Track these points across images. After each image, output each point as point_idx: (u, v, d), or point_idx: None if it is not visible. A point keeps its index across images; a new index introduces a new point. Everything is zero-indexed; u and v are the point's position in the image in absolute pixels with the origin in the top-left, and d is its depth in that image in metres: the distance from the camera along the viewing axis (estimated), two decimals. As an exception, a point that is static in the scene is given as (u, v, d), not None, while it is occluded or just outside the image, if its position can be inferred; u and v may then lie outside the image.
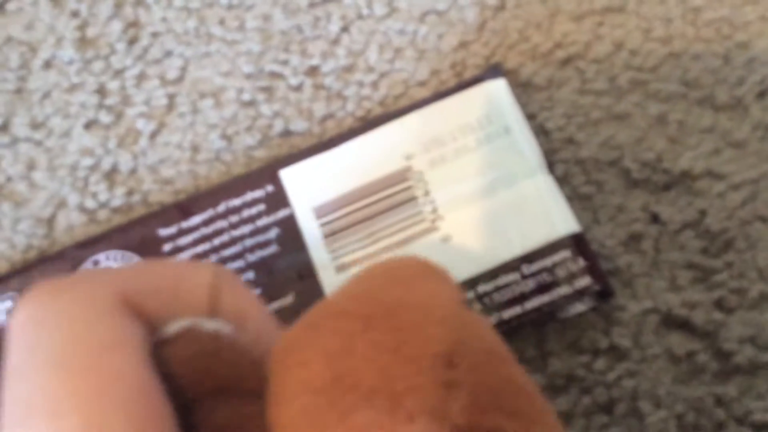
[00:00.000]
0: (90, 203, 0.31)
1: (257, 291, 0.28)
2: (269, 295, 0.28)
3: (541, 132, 0.29)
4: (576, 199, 0.28)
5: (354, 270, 0.28)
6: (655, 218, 0.27)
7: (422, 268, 0.16)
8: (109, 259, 0.29)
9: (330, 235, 0.28)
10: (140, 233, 0.29)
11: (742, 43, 0.28)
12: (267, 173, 0.29)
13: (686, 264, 0.27)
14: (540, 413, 0.14)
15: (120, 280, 0.14)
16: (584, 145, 0.29)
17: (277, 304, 0.28)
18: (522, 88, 0.30)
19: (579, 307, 0.27)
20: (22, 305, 0.13)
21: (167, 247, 0.28)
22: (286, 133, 0.31)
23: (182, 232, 0.29)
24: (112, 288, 0.14)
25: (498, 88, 0.29)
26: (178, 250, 0.28)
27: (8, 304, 0.28)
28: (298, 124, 0.31)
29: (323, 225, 0.28)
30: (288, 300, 0.28)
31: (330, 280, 0.28)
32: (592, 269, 0.27)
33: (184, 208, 0.29)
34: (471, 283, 0.27)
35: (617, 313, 0.27)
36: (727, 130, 0.28)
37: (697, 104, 0.28)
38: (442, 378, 0.13)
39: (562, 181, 0.28)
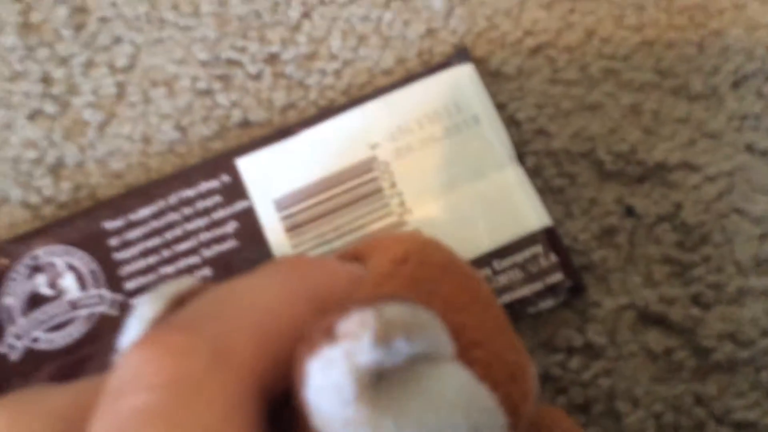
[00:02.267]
0: (34, 198, 0.29)
1: (212, 290, 0.26)
2: (225, 293, 0.26)
3: (511, 123, 0.28)
4: (548, 192, 0.27)
5: (316, 267, 0.26)
6: (629, 211, 0.26)
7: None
8: (49, 255, 0.26)
9: (292, 229, 0.26)
10: (84, 226, 0.27)
11: (717, 31, 0.28)
12: (222, 162, 0.27)
13: (662, 258, 0.26)
14: (481, 313, 0.16)
15: (252, 355, 0.12)
16: (556, 137, 0.27)
17: (233, 304, 0.26)
18: (491, 78, 0.28)
19: (550, 302, 0.26)
20: (137, 376, 0.11)
21: (114, 241, 0.26)
22: (245, 124, 0.29)
23: (130, 225, 0.27)
24: (249, 373, 0.12)
25: (465, 73, 0.27)
26: (126, 245, 0.26)
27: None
28: (258, 114, 0.29)
29: (284, 218, 0.26)
30: (245, 299, 0.26)
31: (290, 278, 0.26)
32: (564, 265, 0.25)
33: (131, 199, 0.27)
34: (440, 279, 0.26)
35: (592, 310, 0.26)
36: (702, 120, 0.27)
37: (671, 93, 0.27)
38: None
39: (534, 173, 0.27)
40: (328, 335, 0.12)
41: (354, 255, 0.18)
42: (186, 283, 0.15)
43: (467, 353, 0.14)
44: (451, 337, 0.13)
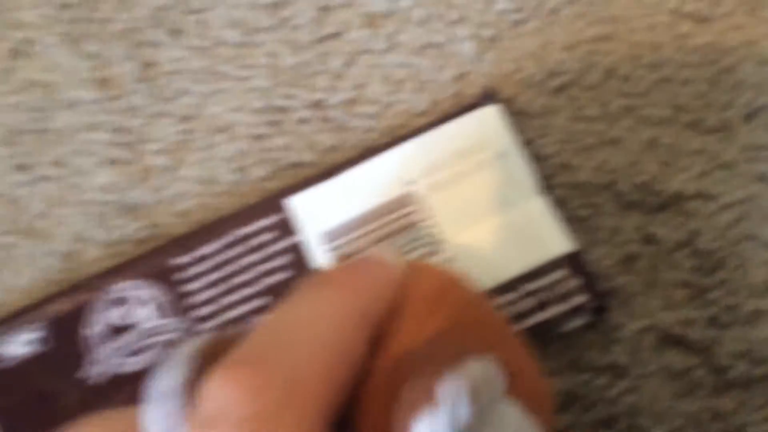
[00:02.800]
0: (112, 237, 0.32)
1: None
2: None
3: (537, 158, 0.30)
4: (573, 221, 0.29)
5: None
6: (649, 239, 0.28)
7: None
8: (125, 289, 0.30)
9: (340, 260, 0.29)
10: (156, 263, 0.30)
11: (729, 68, 0.30)
12: (276, 202, 0.30)
13: (681, 283, 0.28)
14: (506, 344, 0.18)
15: (319, 389, 0.14)
16: (579, 170, 0.30)
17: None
18: (518, 116, 0.31)
19: (576, 323, 0.28)
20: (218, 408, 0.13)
21: (182, 275, 0.30)
22: (295, 165, 0.32)
23: (195, 261, 0.30)
24: (317, 406, 0.14)
25: (492, 113, 0.30)
26: (193, 278, 0.30)
27: (28, 335, 0.30)
28: (306, 156, 0.32)
29: (332, 250, 0.29)
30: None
31: (338, 304, 0.29)
32: (588, 287, 0.28)
33: (196, 237, 0.30)
34: (473, 304, 0.28)
35: (615, 332, 0.28)
36: (716, 152, 0.29)
37: (686, 128, 0.29)
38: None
39: (560, 204, 0.30)
40: (430, 399, 0.14)
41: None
42: (207, 338, 0.16)
43: (511, 386, 0.16)
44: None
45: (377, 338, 0.17)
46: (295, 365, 0.14)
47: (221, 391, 0.13)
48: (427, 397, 0.15)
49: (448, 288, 0.20)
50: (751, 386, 0.26)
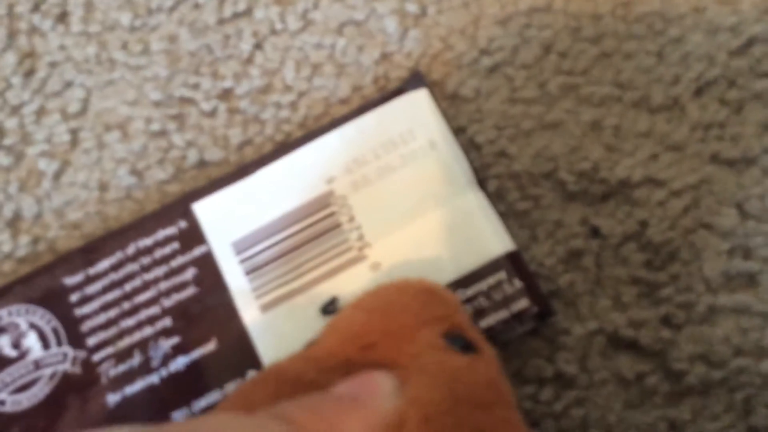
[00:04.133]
0: (-5, 251, 0.28)
1: (176, 339, 0.25)
2: (189, 342, 0.25)
3: (471, 146, 0.27)
4: (512, 216, 0.26)
5: (280, 308, 0.26)
6: (595, 232, 0.26)
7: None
8: (12, 315, 0.26)
9: (252, 272, 0.26)
10: (44, 284, 0.26)
11: (676, 38, 0.27)
12: (179, 208, 0.27)
13: (630, 279, 0.25)
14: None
15: None
16: (517, 158, 0.27)
17: (199, 353, 0.25)
18: (449, 101, 0.28)
19: (518, 330, 0.25)
20: None
21: (74, 297, 0.26)
22: (201, 164, 0.28)
23: (89, 280, 0.26)
24: None
25: (420, 98, 0.27)
26: (87, 299, 0.26)
27: None
28: (214, 153, 0.28)
29: (243, 261, 0.26)
30: (211, 347, 0.25)
31: (255, 322, 0.25)
32: (530, 290, 0.25)
33: (89, 253, 0.26)
34: (404, 315, 0.25)
35: (561, 337, 0.25)
36: (664, 132, 0.26)
37: (632, 107, 0.27)
38: None
39: (496, 197, 0.27)
40: None
41: (369, 338, 0.18)
42: None
43: None
44: None
45: None
46: None
47: None
48: None
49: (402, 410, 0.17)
50: (710, 392, 0.24)
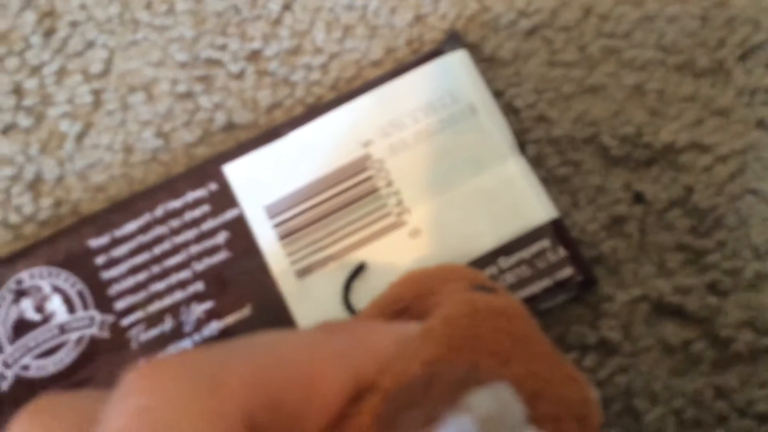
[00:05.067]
0: (14, 218, 0.27)
1: (209, 304, 0.25)
2: (223, 308, 0.25)
3: (509, 110, 0.27)
4: (552, 182, 0.26)
5: (316, 275, 0.25)
6: (638, 198, 0.25)
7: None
8: (34, 277, 0.25)
9: (286, 236, 0.25)
10: (67, 246, 0.25)
11: (720, 1, 0.26)
12: (209, 170, 0.26)
13: (675, 246, 0.25)
14: (529, 354, 0.15)
15: (245, 391, 0.12)
16: (557, 123, 0.26)
17: (233, 318, 0.25)
18: (486, 64, 0.27)
19: (561, 298, 0.25)
20: (129, 391, 0.12)
21: (100, 260, 0.25)
22: (230, 127, 0.28)
23: (116, 242, 0.25)
24: (239, 406, 0.12)
25: (459, 60, 0.26)
26: (114, 262, 0.25)
27: None
28: (242, 116, 0.28)
29: (277, 225, 0.25)
30: (245, 312, 0.25)
31: (291, 288, 0.25)
32: (574, 258, 0.24)
33: (115, 214, 0.26)
34: (444, 281, 0.24)
35: (604, 304, 0.25)
36: (709, 97, 0.26)
37: (675, 71, 0.26)
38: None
39: (536, 163, 0.26)
40: None
41: (399, 304, 0.17)
42: None
43: (533, 409, 0.13)
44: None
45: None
46: (223, 368, 0.12)
47: (139, 372, 0.12)
48: None
49: (440, 313, 0.16)
50: (757, 359, 0.24)
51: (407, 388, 0.13)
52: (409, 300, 0.18)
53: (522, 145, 0.26)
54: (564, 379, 0.15)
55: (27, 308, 0.25)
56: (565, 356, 0.16)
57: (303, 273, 0.25)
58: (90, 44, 0.29)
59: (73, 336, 0.25)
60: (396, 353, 0.14)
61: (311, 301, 0.24)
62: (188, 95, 0.28)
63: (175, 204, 0.26)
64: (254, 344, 0.13)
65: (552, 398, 0.14)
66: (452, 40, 0.26)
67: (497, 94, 0.27)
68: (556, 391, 0.14)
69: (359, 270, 0.25)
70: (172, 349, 0.24)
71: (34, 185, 0.27)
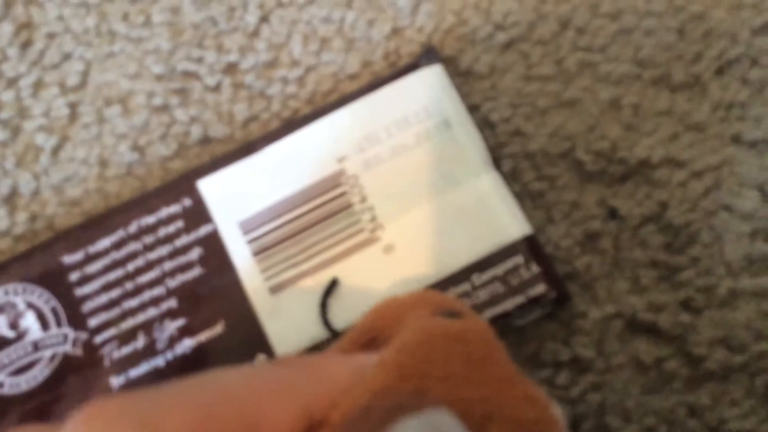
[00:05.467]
0: (-10, 229, 0.27)
1: (182, 321, 0.25)
2: (196, 325, 0.25)
3: (485, 125, 0.26)
4: (527, 197, 0.26)
5: (290, 291, 0.25)
6: (612, 214, 0.25)
7: None
8: (9, 294, 0.25)
9: (260, 253, 0.25)
10: (41, 262, 0.25)
11: (697, 15, 0.26)
12: (183, 185, 0.26)
13: (649, 262, 0.25)
14: (482, 377, 0.15)
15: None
16: (533, 137, 0.26)
17: (206, 335, 0.25)
18: (462, 77, 0.27)
19: (534, 315, 0.25)
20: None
21: (74, 276, 0.25)
22: (205, 141, 0.28)
23: (90, 258, 0.25)
24: None
25: (435, 75, 0.26)
26: (87, 279, 0.25)
27: None
28: (218, 130, 0.27)
29: (251, 241, 0.25)
30: (218, 329, 0.25)
31: (264, 304, 0.25)
32: (547, 275, 0.24)
33: (89, 230, 0.25)
34: (417, 297, 0.24)
35: (578, 321, 0.25)
36: (685, 111, 0.26)
37: (651, 85, 0.26)
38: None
39: (511, 177, 0.26)
40: None
41: (370, 334, 0.17)
42: None
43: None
44: (461, 420, 0.12)
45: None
46: (160, 409, 0.12)
47: (77, 421, 0.12)
48: None
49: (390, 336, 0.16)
50: (730, 377, 0.23)
51: (351, 421, 0.13)
52: (379, 329, 0.18)
53: (497, 160, 0.26)
54: (518, 400, 0.15)
55: (1, 325, 0.25)
56: (524, 377, 0.16)
57: (276, 289, 0.25)
58: (67, 56, 0.28)
59: (47, 353, 0.25)
60: (349, 386, 0.14)
61: (284, 317, 0.24)
62: (164, 108, 0.28)
63: (149, 220, 0.25)
64: (197, 384, 0.13)
65: (503, 420, 0.14)
66: (428, 55, 0.26)
67: (473, 108, 0.27)
68: (509, 413, 0.14)
69: (332, 287, 0.25)
70: (144, 365, 0.24)
71: (10, 199, 0.27)
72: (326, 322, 0.24)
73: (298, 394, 0.13)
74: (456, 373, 0.14)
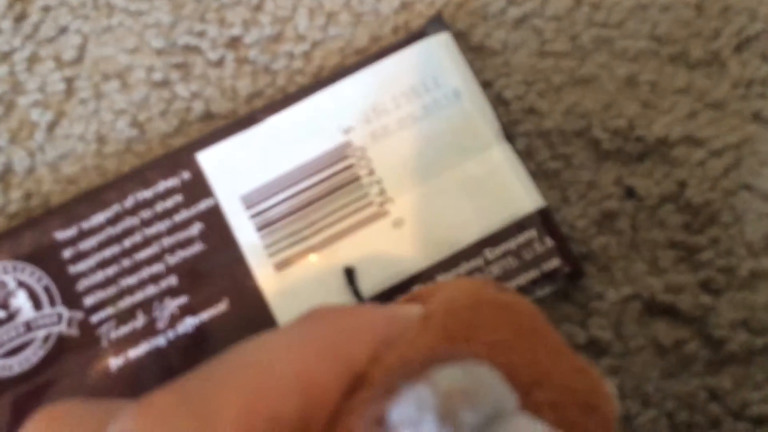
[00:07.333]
0: (-19, 208, 0.26)
1: (183, 299, 0.24)
2: (198, 303, 0.24)
3: (499, 102, 0.26)
4: (541, 176, 0.25)
5: (296, 267, 0.24)
6: (630, 193, 0.24)
7: None
8: (8, 271, 0.24)
9: (264, 227, 0.24)
10: (32, 238, 0.24)
11: (716, -8, 0.25)
12: (181, 158, 0.25)
13: (667, 243, 0.24)
14: (531, 346, 0.14)
15: (243, 418, 0.12)
16: (547, 115, 0.25)
17: (209, 314, 0.24)
18: (474, 53, 0.26)
19: (548, 290, 0.24)
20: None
21: (67, 253, 0.24)
22: (207, 117, 0.27)
23: (83, 234, 0.24)
24: None
25: (442, 43, 0.25)
26: (82, 255, 0.24)
27: None
28: (221, 105, 0.27)
29: (254, 216, 0.24)
30: (222, 307, 0.24)
31: (269, 281, 0.24)
32: (561, 249, 0.23)
33: (82, 205, 0.24)
34: (430, 273, 0.23)
35: (594, 303, 0.24)
36: (704, 89, 0.25)
37: (669, 62, 0.25)
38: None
39: (525, 156, 0.25)
40: (380, 426, 0.10)
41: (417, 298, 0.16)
42: None
43: (529, 397, 0.12)
44: (509, 383, 0.11)
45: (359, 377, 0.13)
46: (211, 394, 0.12)
47: (130, 415, 0.12)
48: (377, 425, 0.10)
49: (438, 299, 0.15)
50: (752, 360, 0.23)
51: (392, 374, 0.12)
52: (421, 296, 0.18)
53: (510, 138, 0.25)
54: (569, 370, 0.14)
55: (-8, 303, 0.24)
56: (578, 353, 0.16)
57: (282, 266, 0.24)
58: (63, 30, 0.27)
59: (40, 334, 0.24)
60: (391, 340, 0.13)
61: (291, 294, 0.23)
62: (165, 83, 0.27)
63: (146, 194, 0.24)
64: (240, 362, 0.12)
65: (552, 387, 0.13)
66: (435, 23, 0.25)
67: (486, 85, 0.26)
68: (558, 381, 0.13)
69: (351, 275, 0.24)
70: (144, 346, 0.23)
71: (4, 176, 0.26)
72: (357, 293, 0.23)
73: (341, 350, 0.13)
74: (504, 340, 0.14)
